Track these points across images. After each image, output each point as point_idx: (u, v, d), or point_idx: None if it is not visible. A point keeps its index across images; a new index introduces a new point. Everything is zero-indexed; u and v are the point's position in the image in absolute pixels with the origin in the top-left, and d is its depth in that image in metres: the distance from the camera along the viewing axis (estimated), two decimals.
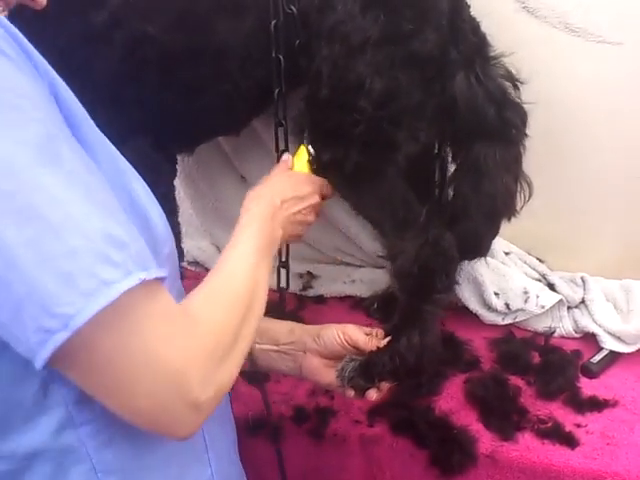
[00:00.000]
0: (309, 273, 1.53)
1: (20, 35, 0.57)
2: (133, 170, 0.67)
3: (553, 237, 1.41)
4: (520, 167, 1.07)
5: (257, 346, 0.99)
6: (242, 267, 0.74)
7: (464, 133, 1.06)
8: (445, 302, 1.11)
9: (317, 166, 1.06)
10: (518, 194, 1.09)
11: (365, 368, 0.97)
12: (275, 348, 1.00)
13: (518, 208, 1.10)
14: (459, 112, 1.03)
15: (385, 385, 1.00)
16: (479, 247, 1.11)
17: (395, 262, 1.11)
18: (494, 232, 1.10)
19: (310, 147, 1.06)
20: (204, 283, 0.68)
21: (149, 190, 0.68)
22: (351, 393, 0.98)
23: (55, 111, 0.57)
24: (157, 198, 0.69)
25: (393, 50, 1.00)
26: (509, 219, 1.08)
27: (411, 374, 1.04)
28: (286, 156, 1.07)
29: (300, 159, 1.07)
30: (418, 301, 1.08)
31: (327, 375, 0.98)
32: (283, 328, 1.02)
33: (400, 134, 1.05)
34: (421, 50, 1.01)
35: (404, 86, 1.01)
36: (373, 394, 0.99)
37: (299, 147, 1.07)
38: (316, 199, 1.02)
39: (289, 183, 1.00)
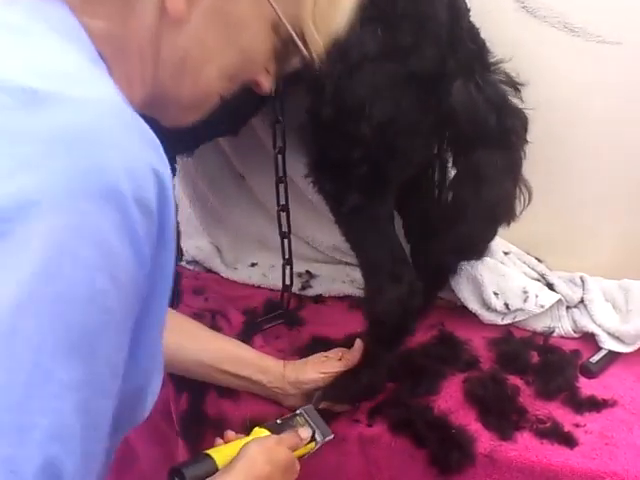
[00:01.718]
0: (308, 272, 1.53)
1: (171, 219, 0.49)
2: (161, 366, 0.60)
3: (552, 237, 1.40)
4: (520, 172, 1.08)
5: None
6: None
7: (464, 140, 1.06)
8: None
9: None
10: (517, 199, 1.09)
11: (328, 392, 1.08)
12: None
13: (517, 213, 1.10)
14: (459, 121, 1.03)
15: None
16: (475, 250, 1.12)
17: (373, 306, 1.14)
18: (492, 236, 1.10)
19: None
20: None
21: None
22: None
23: (137, 302, 0.49)
24: None
25: (392, 68, 1.00)
26: (508, 224, 1.08)
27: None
28: (306, 434, 0.98)
29: (304, 450, 0.98)
30: (382, 348, 1.14)
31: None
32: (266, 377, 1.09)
33: (395, 164, 1.06)
34: (419, 67, 1.01)
35: (403, 108, 1.02)
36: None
37: (311, 442, 0.99)
38: (290, 457, 0.90)
39: (286, 474, 0.89)
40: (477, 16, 1.09)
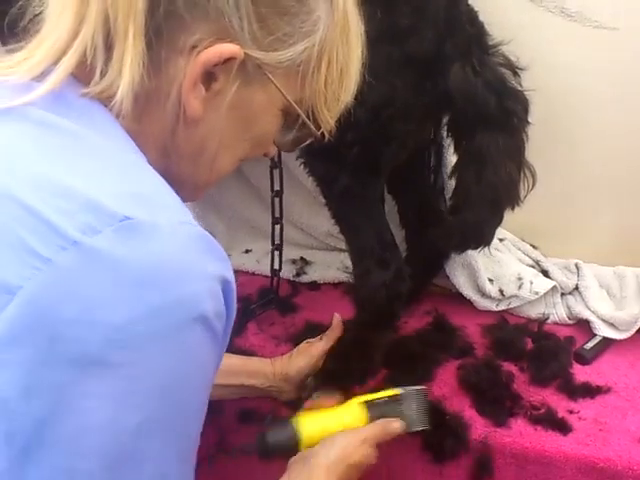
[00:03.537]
0: (302, 259, 1.52)
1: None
2: None
3: (547, 223, 1.40)
4: (523, 155, 1.07)
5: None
6: None
7: (464, 124, 1.05)
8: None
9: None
10: (521, 183, 1.08)
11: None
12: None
13: (521, 197, 1.09)
14: (457, 105, 1.02)
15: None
16: (482, 236, 1.11)
17: (359, 291, 1.15)
18: (497, 221, 1.09)
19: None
20: None
21: None
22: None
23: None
24: None
25: (390, 51, 0.99)
26: (512, 208, 1.07)
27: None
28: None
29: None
30: (371, 333, 1.14)
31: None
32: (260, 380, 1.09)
33: (388, 148, 1.05)
34: (417, 50, 1.00)
35: (398, 91, 1.01)
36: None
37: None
38: (373, 456, 0.91)
39: (352, 470, 0.89)
40: (474, 2, 1.08)
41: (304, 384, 1.08)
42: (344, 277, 1.47)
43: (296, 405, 1.04)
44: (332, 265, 1.50)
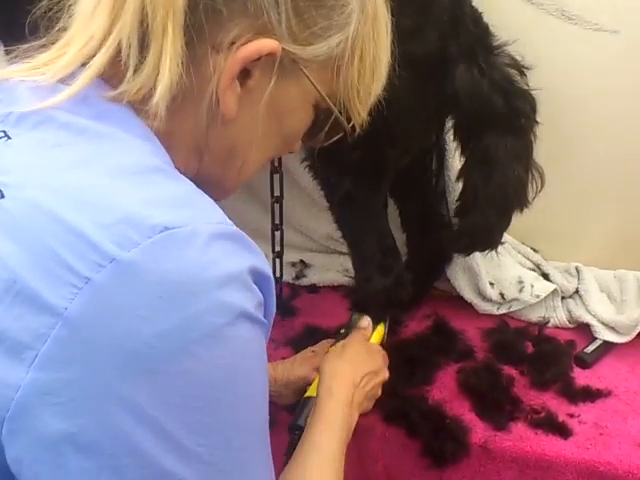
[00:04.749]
0: (302, 262, 1.52)
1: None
2: None
3: (548, 227, 1.40)
4: (531, 156, 1.06)
5: None
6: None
7: (472, 126, 1.04)
8: None
9: None
10: (530, 184, 1.08)
11: None
12: None
13: (530, 199, 1.09)
14: (463, 106, 1.02)
15: None
16: (491, 239, 1.10)
17: (359, 296, 1.15)
18: (506, 224, 1.09)
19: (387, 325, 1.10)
20: None
21: None
22: None
23: None
24: None
25: (392, 51, 0.99)
26: (521, 210, 1.07)
27: None
28: (365, 322, 1.08)
29: (377, 334, 1.10)
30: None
31: None
32: None
33: (391, 151, 1.05)
34: (420, 51, 0.99)
35: (402, 93, 1.00)
36: None
37: (378, 324, 1.11)
38: (386, 374, 1.02)
39: (366, 356, 1.01)
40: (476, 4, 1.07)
41: (302, 390, 1.07)
42: (344, 280, 1.46)
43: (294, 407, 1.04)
44: (332, 268, 1.50)
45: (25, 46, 0.59)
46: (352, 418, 0.91)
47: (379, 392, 1.01)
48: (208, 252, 0.49)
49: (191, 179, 0.57)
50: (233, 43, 0.57)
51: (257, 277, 0.53)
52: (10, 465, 0.48)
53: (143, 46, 0.55)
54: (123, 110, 0.57)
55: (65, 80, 0.56)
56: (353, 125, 0.69)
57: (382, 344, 1.11)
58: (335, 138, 0.71)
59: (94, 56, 0.56)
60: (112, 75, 0.57)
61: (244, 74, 0.59)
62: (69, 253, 0.47)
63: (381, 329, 1.10)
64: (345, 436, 0.87)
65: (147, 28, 0.55)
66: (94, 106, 0.56)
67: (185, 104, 0.59)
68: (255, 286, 0.53)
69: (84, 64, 0.56)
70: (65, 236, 0.47)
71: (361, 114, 0.68)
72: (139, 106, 0.57)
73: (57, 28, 0.59)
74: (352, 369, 0.95)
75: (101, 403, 0.46)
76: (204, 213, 0.52)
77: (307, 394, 0.98)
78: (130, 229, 0.47)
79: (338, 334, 1.08)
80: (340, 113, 0.66)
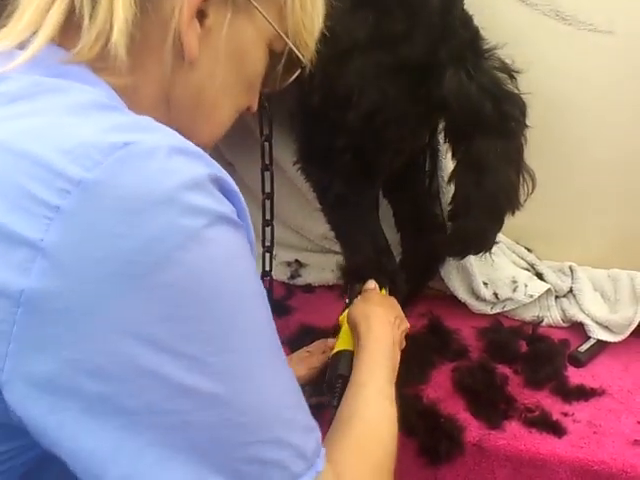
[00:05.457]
0: (297, 261, 1.52)
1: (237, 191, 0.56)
2: None
3: (541, 226, 1.40)
4: (522, 159, 1.07)
5: None
6: (384, 415, 0.76)
7: (462, 129, 1.05)
8: None
9: None
10: (521, 187, 1.08)
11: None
12: None
13: (521, 201, 1.09)
14: (452, 110, 1.02)
15: None
16: (484, 242, 1.10)
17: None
18: (498, 227, 1.09)
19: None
20: (348, 433, 0.69)
21: None
22: None
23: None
24: None
25: (382, 56, 0.99)
26: (513, 213, 1.07)
27: None
28: (372, 284, 1.10)
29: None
30: None
31: None
32: None
33: (381, 154, 1.06)
34: (410, 56, 1.00)
35: (391, 97, 1.01)
36: None
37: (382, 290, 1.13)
38: (408, 323, 1.03)
39: (390, 302, 1.04)
40: (468, 4, 1.07)
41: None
42: (339, 279, 1.47)
43: None
44: (327, 267, 1.50)
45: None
46: (396, 356, 0.91)
47: (404, 342, 1.01)
48: (170, 162, 0.49)
49: None
50: None
51: (223, 189, 0.53)
52: (13, 411, 0.48)
53: None
54: (81, 69, 0.57)
55: (23, 46, 0.56)
56: (304, 67, 0.70)
57: None
58: (290, 80, 0.72)
59: (47, 15, 0.56)
60: (68, 39, 0.57)
61: (201, 15, 0.60)
62: (36, 185, 0.46)
63: (384, 292, 1.12)
64: (392, 375, 0.86)
65: None
66: (50, 67, 0.56)
67: (147, 49, 0.59)
68: (224, 197, 0.52)
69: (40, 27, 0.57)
70: (30, 169, 0.47)
71: (309, 44, 0.69)
72: (98, 64, 0.57)
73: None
74: (384, 310, 0.97)
75: (96, 329, 0.46)
76: (164, 133, 0.52)
77: (336, 349, 0.98)
78: (91, 149, 0.47)
79: (345, 304, 1.10)
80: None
